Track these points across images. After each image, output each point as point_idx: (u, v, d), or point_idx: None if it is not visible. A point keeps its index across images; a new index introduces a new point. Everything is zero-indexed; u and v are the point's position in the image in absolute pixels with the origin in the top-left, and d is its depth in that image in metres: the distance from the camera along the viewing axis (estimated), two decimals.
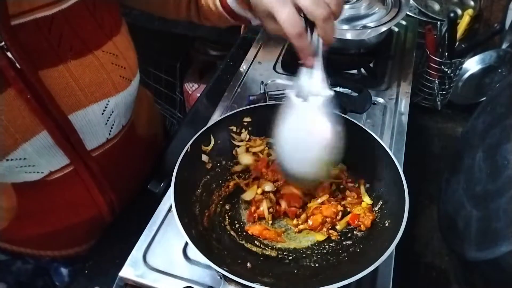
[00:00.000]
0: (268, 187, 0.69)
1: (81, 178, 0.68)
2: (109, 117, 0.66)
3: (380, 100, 0.92)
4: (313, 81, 0.57)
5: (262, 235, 0.65)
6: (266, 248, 0.65)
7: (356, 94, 0.79)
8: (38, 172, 0.62)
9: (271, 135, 0.63)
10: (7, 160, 0.57)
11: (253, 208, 0.68)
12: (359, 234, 0.64)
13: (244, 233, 0.67)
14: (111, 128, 0.68)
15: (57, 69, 0.58)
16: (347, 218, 0.66)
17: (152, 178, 0.79)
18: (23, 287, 0.83)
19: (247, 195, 0.69)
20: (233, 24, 0.74)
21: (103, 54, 0.62)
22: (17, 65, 0.54)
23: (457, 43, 0.98)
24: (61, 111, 0.59)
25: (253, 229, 0.66)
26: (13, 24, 0.53)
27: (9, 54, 0.53)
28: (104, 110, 0.64)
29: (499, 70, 1.04)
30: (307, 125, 0.58)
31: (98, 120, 0.64)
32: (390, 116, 0.88)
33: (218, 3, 0.69)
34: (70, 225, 0.74)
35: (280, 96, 0.91)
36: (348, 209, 0.67)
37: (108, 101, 0.64)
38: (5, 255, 0.78)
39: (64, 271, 0.82)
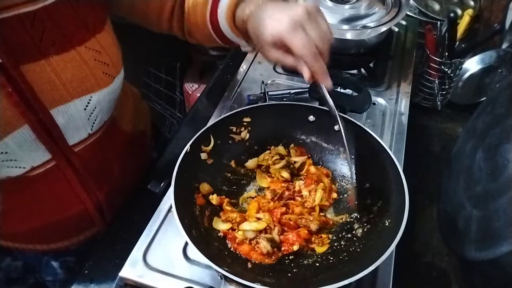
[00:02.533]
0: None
1: (63, 174, 0.68)
2: (91, 113, 0.66)
3: (380, 100, 0.92)
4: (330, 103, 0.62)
5: (249, 256, 0.62)
6: None
7: (356, 94, 0.79)
8: (20, 167, 0.63)
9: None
10: None
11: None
12: (359, 234, 0.64)
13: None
14: (93, 123, 0.68)
15: (39, 64, 0.58)
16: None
17: (148, 178, 0.79)
18: (14, 283, 0.83)
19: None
20: (220, 46, 0.74)
21: (86, 50, 0.62)
22: None
23: (457, 43, 0.98)
24: (43, 105, 0.59)
25: (241, 249, 0.63)
26: None
27: None
28: (86, 106, 0.64)
29: (499, 70, 1.04)
30: None
31: (80, 115, 0.64)
32: (390, 116, 0.88)
33: (209, 26, 0.70)
34: (56, 221, 0.74)
35: (280, 96, 0.91)
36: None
37: (91, 97, 0.64)
38: None
39: (55, 264, 0.82)
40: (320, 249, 0.64)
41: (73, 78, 0.61)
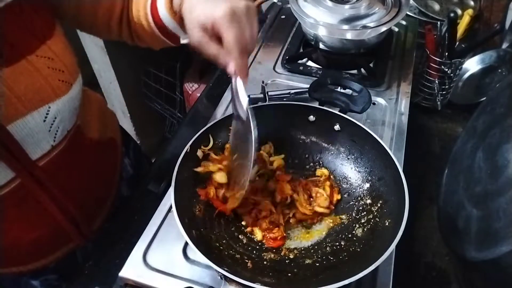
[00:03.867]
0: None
1: (30, 191, 0.64)
2: (52, 124, 0.62)
3: (380, 100, 0.92)
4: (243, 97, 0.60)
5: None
6: (267, 248, 0.65)
7: (356, 94, 0.79)
8: None
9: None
10: None
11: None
12: (359, 234, 0.64)
13: (244, 233, 0.67)
14: (55, 134, 0.64)
15: None
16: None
17: (148, 178, 0.79)
18: None
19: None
20: (166, 45, 0.73)
21: (37, 59, 0.59)
22: None
23: (457, 43, 0.98)
24: None
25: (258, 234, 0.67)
26: None
27: None
28: (45, 117, 0.60)
29: (499, 70, 1.04)
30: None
31: (40, 128, 0.60)
32: (390, 116, 0.88)
33: (150, 18, 0.68)
34: (30, 240, 0.70)
35: (280, 96, 0.91)
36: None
37: (49, 107, 0.60)
38: None
39: (35, 282, 0.78)
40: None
41: (27, 90, 0.57)
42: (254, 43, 0.57)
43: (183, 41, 0.70)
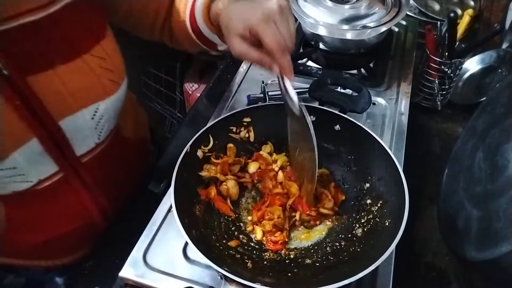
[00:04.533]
0: None
1: (71, 186, 0.67)
2: (98, 122, 0.65)
3: (380, 100, 0.92)
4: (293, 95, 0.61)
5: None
6: (267, 248, 0.65)
7: (356, 94, 0.79)
8: (27, 182, 0.61)
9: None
10: None
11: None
12: (359, 234, 0.64)
13: (245, 233, 0.67)
14: (101, 132, 0.67)
15: (46, 74, 0.57)
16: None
17: (148, 178, 0.79)
18: None
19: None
20: (203, 49, 0.75)
21: (91, 58, 0.61)
22: (5, 71, 0.53)
23: (457, 43, 0.98)
24: (50, 117, 0.58)
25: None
26: (0, 29, 0.52)
27: None
28: (94, 115, 0.63)
29: (499, 70, 1.04)
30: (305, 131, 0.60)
31: (88, 125, 0.63)
32: (390, 116, 0.88)
33: (188, 24, 0.70)
34: (62, 234, 0.73)
35: (280, 96, 0.91)
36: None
37: (98, 106, 0.63)
38: None
39: (59, 280, 0.80)
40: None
41: (81, 87, 0.60)
42: (293, 39, 0.58)
43: (221, 47, 0.73)
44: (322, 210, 0.68)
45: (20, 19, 0.54)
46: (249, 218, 0.69)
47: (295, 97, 0.60)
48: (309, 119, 0.59)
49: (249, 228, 0.67)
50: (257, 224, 0.67)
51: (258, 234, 0.66)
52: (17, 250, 0.75)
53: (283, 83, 0.60)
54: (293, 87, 0.60)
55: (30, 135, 0.57)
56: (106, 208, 0.76)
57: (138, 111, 0.92)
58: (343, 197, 0.70)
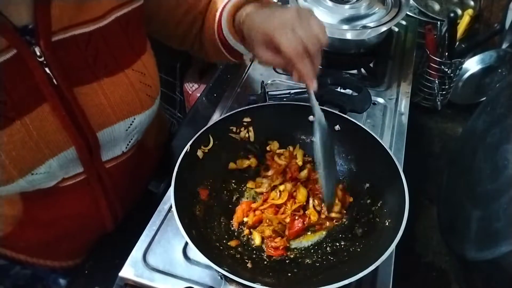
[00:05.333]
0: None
1: (92, 188, 0.68)
2: (130, 133, 0.66)
3: (380, 100, 0.92)
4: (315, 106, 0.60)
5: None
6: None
7: (356, 94, 0.79)
8: (53, 181, 0.63)
9: None
10: (32, 174, 0.57)
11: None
12: (359, 234, 0.64)
13: (244, 233, 0.67)
14: (129, 142, 0.69)
15: (91, 86, 0.58)
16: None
17: (150, 180, 0.79)
18: None
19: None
20: (229, 60, 0.75)
21: (132, 73, 0.63)
22: (54, 81, 0.54)
23: (457, 43, 0.98)
24: (91, 128, 0.60)
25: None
26: (54, 40, 0.53)
27: (47, 69, 0.53)
28: (129, 127, 0.65)
29: (499, 70, 1.04)
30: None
31: (121, 136, 0.65)
32: (390, 116, 0.88)
33: (216, 34, 0.71)
34: (72, 235, 0.74)
35: (280, 96, 0.91)
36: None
37: (134, 119, 0.64)
38: (4, 260, 0.77)
39: (62, 282, 0.81)
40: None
41: (121, 101, 0.61)
42: (316, 42, 0.56)
43: (246, 57, 0.74)
44: (332, 215, 0.68)
45: (74, 31, 0.55)
46: (245, 219, 0.68)
47: (316, 110, 0.59)
48: (319, 128, 0.58)
49: (246, 231, 0.67)
50: (254, 228, 0.67)
51: (256, 240, 0.65)
52: (27, 246, 0.75)
53: (308, 90, 0.59)
54: (313, 95, 0.59)
55: (69, 144, 0.59)
56: (118, 213, 0.77)
57: (161, 118, 0.93)
58: (351, 199, 0.70)
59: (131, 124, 0.65)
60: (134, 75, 0.63)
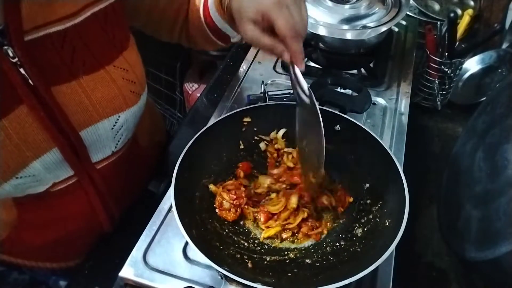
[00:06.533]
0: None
1: (84, 190, 0.68)
2: (117, 131, 0.65)
3: (380, 100, 0.92)
4: (303, 83, 0.60)
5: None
6: (267, 248, 0.65)
7: (356, 94, 0.79)
8: (42, 185, 0.62)
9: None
10: (16, 178, 0.57)
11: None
12: (359, 234, 0.64)
13: (245, 233, 0.67)
14: (118, 141, 0.68)
15: (70, 85, 0.57)
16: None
17: (150, 180, 0.79)
18: None
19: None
20: (217, 46, 0.75)
21: (114, 69, 0.61)
22: (30, 81, 0.53)
23: (457, 43, 0.98)
24: (72, 127, 0.59)
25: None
26: (27, 39, 0.52)
27: (22, 70, 0.52)
28: (114, 125, 0.63)
29: (499, 70, 1.04)
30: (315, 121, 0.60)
31: (107, 135, 0.64)
32: (390, 116, 0.88)
33: (202, 17, 0.71)
34: (70, 237, 0.73)
35: (280, 96, 0.91)
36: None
37: (119, 116, 0.63)
38: (2, 266, 0.76)
39: (63, 284, 0.80)
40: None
41: (103, 99, 0.60)
42: (305, 27, 0.58)
43: (234, 39, 0.73)
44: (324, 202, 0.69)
45: (48, 29, 0.53)
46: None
47: (305, 86, 0.60)
48: (318, 107, 0.58)
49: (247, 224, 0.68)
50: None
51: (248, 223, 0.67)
52: (24, 250, 0.75)
53: (294, 71, 0.59)
54: (302, 76, 0.60)
55: (51, 145, 0.57)
56: (114, 213, 0.76)
57: (155, 116, 0.92)
58: (351, 199, 0.70)
59: (116, 122, 0.63)
60: (115, 72, 0.61)
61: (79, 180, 0.65)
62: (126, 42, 0.65)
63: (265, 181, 0.72)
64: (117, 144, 0.67)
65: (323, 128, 0.58)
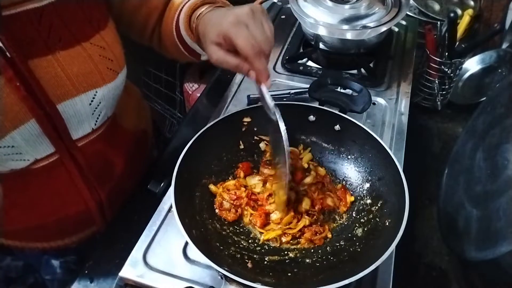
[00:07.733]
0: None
1: (66, 168, 0.69)
2: (96, 108, 0.67)
3: (380, 100, 0.92)
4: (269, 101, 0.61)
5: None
6: (267, 248, 0.65)
7: (356, 94, 0.79)
8: (24, 160, 0.63)
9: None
10: None
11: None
12: (359, 234, 0.64)
13: (245, 233, 0.67)
14: (97, 118, 0.69)
15: (46, 59, 0.59)
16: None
17: (150, 179, 0.79)
18: (13, 283, 0.83)
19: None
20: (188, 59, 0.77)
21: (91, 46, 0.64)
22: (7, 53, 0.55)
23: (457, 43, 0.98)
24: (49, 100, 0.61)
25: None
26: (4, 14, 0.54)
27: None
28: (92, 101, 0.65)
29: (499, 70, 1.04)
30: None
31: (85, 110, 0.65)
32: (390, 116, 0.88)
33: (174, 33, 0.73)
34: (57, 218, 0.75)
35: (280, 96, 0.91)
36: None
37: (96, 92, 0.65)
38: None
39: (55, 262, 0.82)
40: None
41: (79, 73, 0.62)
42: (269, 42, 0.57)
43: (203, 58, 0.75)
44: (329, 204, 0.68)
45: (25, 5, 0.56)
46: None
47: (271, 103, 0.60)
48: (283, 126, 0.58)
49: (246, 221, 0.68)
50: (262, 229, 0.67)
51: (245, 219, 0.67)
52: (12, 231, 0.77)
53: (260, 88, 0.60)
54: (268, 93, 0.60)
55: (28, 116, 0.59)
56: (102, 198, 0.77)
57: (141, 105, 0.94)
58: (352, 198, 0.70)
59: (93, 98, 0.65)
60: (92, 48, 0.64)
61: (61, 158, 0.67)
62: (103, 22, 0.67)
63: (251, 181, 0.72)
64: (96, 120, 0.69)
65: (287, 148, 0.58)
